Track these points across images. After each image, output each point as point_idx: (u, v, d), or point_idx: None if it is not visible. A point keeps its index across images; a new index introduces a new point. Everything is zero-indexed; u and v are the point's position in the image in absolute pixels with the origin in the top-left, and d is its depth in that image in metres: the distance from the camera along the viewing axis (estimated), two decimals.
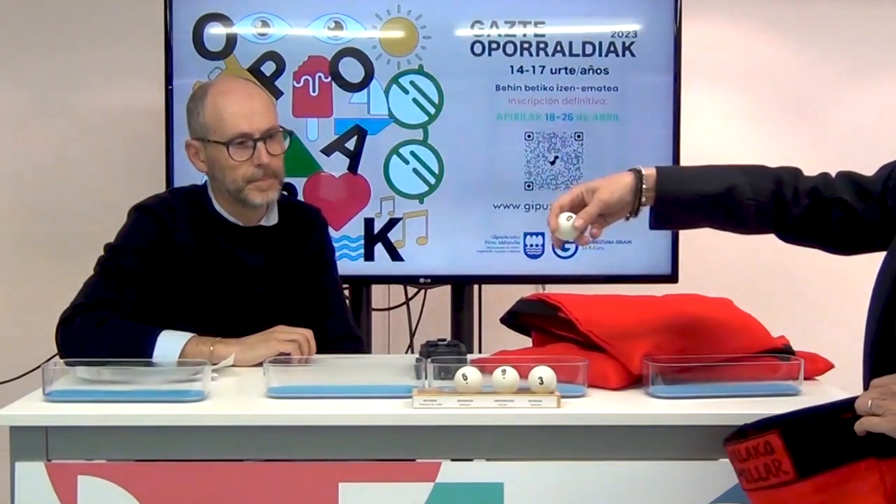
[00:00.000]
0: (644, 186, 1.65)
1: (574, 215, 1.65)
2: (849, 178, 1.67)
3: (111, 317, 2.02)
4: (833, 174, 1.70)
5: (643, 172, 1.66)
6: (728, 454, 1.45)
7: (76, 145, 3.27)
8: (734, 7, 3.34)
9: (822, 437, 1.35)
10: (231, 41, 2.62)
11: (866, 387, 1.42)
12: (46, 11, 3.24)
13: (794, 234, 1.70)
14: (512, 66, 2.66)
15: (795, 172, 1.70)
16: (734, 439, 1.42)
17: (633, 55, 2.64)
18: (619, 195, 1.65)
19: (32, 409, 1.63)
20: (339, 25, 2.64)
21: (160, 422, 1.60)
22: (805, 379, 1.72)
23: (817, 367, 1.81)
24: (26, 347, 2.80)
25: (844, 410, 1.35)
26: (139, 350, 1.95)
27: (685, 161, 2.80)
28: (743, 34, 3.35)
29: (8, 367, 2.96)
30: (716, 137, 3.33)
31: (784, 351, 1.83)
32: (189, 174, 2.64)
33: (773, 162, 1.72)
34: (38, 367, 1.78)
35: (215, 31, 2.64)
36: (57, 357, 1.98)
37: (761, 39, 3.33)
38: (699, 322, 1.82)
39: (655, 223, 1.70)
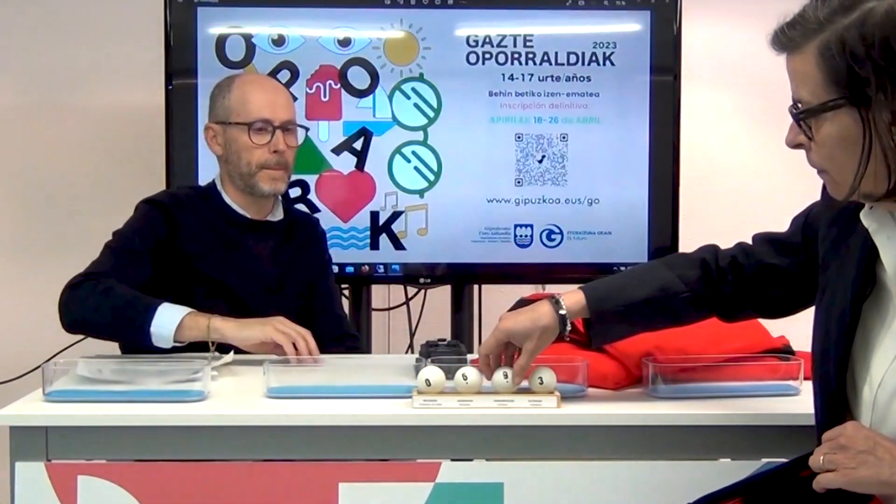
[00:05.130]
0: (565, 313, 1.62)
1: (507, 371, 1.63)
2: (765, 240, 1.64)
3: (116, 286, 2.03)
4: (750, 240, 1.67)
5: (562, 302, 1.62)
6: None
7: (76, 145, 3.26)
8: (734, 7, 3.34)
9: (785, 500, 1.35)
10: (250, 51, 2.79)
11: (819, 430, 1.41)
12: (47, 10, 3.24)
13: (733, 311, 1.67)
14: (504, 74, 2.82)
15: (713, 250, 1.67)
16: None
17: (612, 64, 2.83)
18: (545, 339, 1.62)
19: (32, 409, 1.63)
20: (347, 38, 2.79)
21: (160, 422, 1.60)
22: (805, 379, 1.72)
23: None
24: (26, 347, 2.80)
25: (801, 468, 1.34)
26: (138, 319, 1.96)
27: (685, 161, 2.83)
28: (742, 34, 3.35)
29: (8, 367, 2.96)
30: (716, 138, 3.34)
31: (784, 351, 1.83)
32: (189, 175, 2.69)
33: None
34: (38, 367, 1.78)
35: (237, 42, 2.80)
36: (57, 357, 1.98)
37: (761, 39, 3.33)
38: (699, 322, 1.82)
39: (593, 341, 1.67)
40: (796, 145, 1.34)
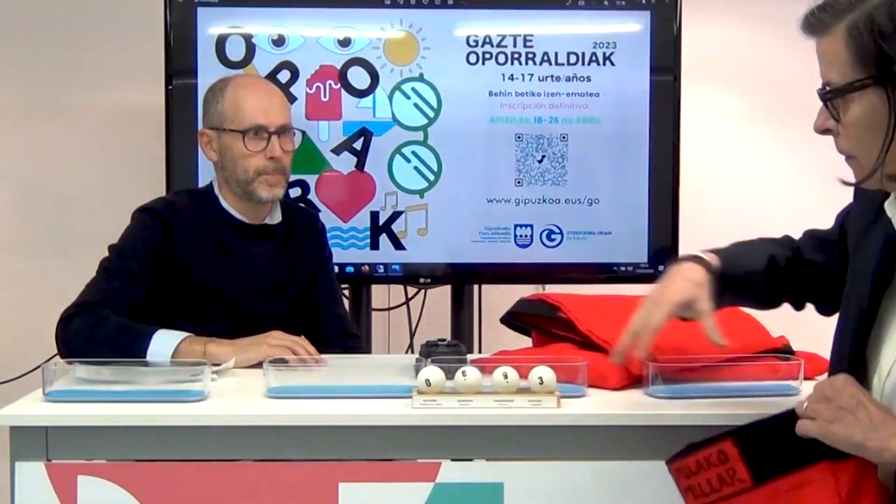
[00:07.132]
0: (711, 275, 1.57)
1: (508, 371, 1.60)
2: (810, 236, 1.63)
3: (110, 315, 2.03)
4: (801, 234, 1.66)
5: (707, 261, 1.55)
6: (672, 472, 1.40)
7: (76, 145, 3.27)
8: (734, 7, 3.34)
9: (776, 442, 1.32)
10: (250, 51, 2.80)
11: None
12: (47, 11, 3.24)
13: (783, 298, 1.67)
14: (503, 74, 2.84)
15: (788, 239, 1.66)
16: (680, 456, 1.39)
17: (612, 64, 2.84)
18: (707, 294, 1.54)
19: (32, 409, 1.63)
20: (347, 38, 2.81)
21: (160, 422, 1.60)
22: (805, 379, 1.72)
23: (817, 367, 1.80)
24: (26, 347, 2.80)
25: (796, 415, 1.32)
26: (134, 348, 1.96)
27: (685, 161, 2.84)
28: (743, 34, 3.35)
29: (8, 367, 2.96)
30: (716, 138, 3.33)
31: (784, 351, 1.83)
32: (189, 175, 2.70)
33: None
34: (38, 367, 1.78)
35: (237, 42, 2.81)
36: (57, 357, 1.98)
37: (761, 39, 3.33)
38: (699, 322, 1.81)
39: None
40: (824, 130, 1.33)
